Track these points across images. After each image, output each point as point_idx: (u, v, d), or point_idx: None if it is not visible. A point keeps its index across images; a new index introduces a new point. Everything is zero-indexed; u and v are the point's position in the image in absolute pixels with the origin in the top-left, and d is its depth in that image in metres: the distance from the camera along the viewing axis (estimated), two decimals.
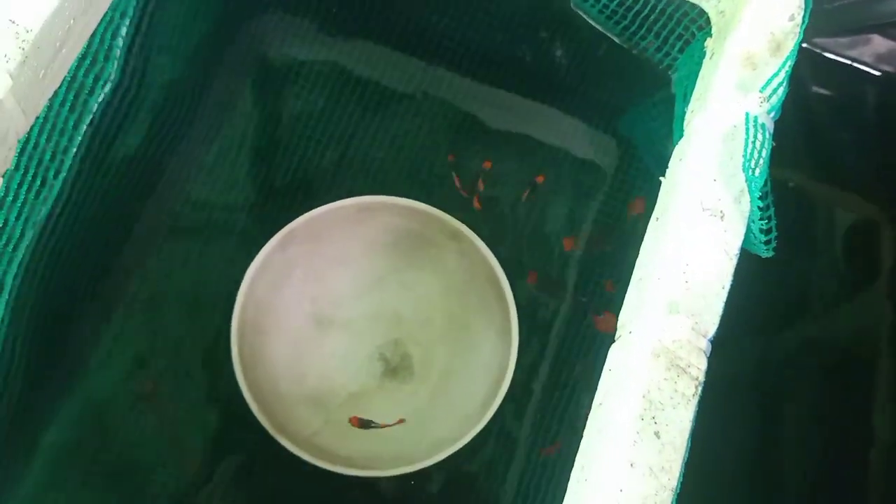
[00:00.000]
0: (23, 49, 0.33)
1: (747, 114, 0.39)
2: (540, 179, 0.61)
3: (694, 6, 0.46)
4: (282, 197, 0.59)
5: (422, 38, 0.61)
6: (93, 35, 0.41)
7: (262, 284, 0.55)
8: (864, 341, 0.56)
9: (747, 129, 0.38)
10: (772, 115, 0.40)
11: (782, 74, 0.40)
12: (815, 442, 0.55)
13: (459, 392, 0.56)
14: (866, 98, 0.53)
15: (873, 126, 0.54)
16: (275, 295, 0.57)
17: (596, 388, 0.44)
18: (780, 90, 0.40)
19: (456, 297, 0.58)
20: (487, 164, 0.61)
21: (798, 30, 0.41)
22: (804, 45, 0.51)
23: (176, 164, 0.55)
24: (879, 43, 0.52)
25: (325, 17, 0.60)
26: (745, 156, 0.37)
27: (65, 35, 0.35)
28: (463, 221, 0.56)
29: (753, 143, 0.38)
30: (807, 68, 0.52)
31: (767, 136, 0.39)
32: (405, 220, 0.58)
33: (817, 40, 0.52)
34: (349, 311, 0.58)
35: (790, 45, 0.40)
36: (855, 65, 0.53)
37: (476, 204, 0.60)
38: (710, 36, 0.44)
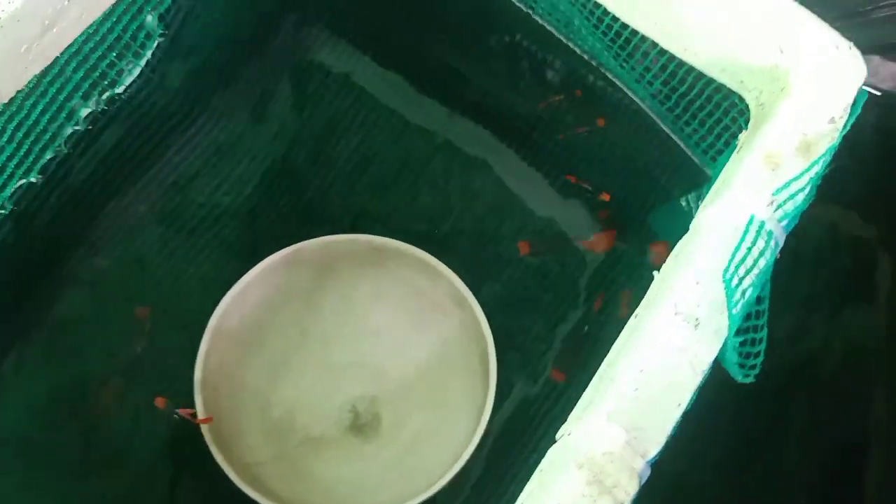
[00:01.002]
0: None
1: (752, 216, 0.34)
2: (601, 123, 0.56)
3: (742, 98, 0.42)
4: (284, 214, 0.58)
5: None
6: (111, 20, 0.42)
7: (254, 297, 0.53)
8: (859, 363, 0.54)
9: (745, 233, 0.33)
10: (784, 223, 0.35)
11: (804, 180, 0.34)
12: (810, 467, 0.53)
13: (420, 465, 0.52)
14: (866, 118, 0.51)
15: (873, 146, 0.52)
16: (266, 312, 0.55)
17: None
18: (800, 197, 0.34)
19: (446, 370, 0.55)
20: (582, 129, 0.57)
21: (836, 134, 0.36)
22: None
23: (177, 162, 0.55)
24: (878, 64, 0.51)
25: (360, 45, 0.60)
26: (730, 260, 0.32)
27: (55, 14, 0.36)
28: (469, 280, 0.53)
29: (748, 249, 0.33)
30: None
31: (772, 245, 0.34)
32: (416, 273, 0.55)
33: None
34: (337, 353, 0.56)
35: (821, 148, 0.35)
36: None
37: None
38: (746, 129, 0.40)
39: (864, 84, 0.34)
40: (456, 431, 0.52)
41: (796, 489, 0.53)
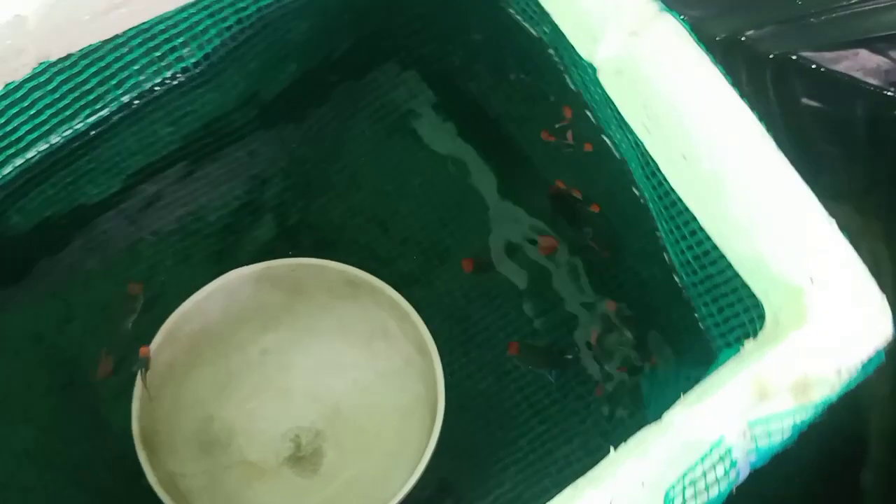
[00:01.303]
0: None
1: (721, 437, 0.32)
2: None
3: (763, 306, 0.40)
4: (276, 231, 0.58)
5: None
6: (190, 10, 0.42)
7: (217, 307, 0.53)
8: None
9: (707, 452, 0.32)
10: (751, 458, 0.33)
11: (788, 421, 0.33)
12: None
13: None
14: (855, 111, 0.52)
15: (862, 139, 0.52)
16: (228, 325, 0.54)
17: None
18: (777, 438, 0.33)
19: (396, 420, 0.54)
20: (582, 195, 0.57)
21: (838, 388, 0.34)
22: (793, 56, 0.51)
23: (197, 156, 0.55)
24: (866, 57, 0.51)
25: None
26: (682, 476, 0.31)
27: None
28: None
29: (704, 473, 0.31)
30: (796, 80, 0.53)
31: (732, 476, 0.32)
32: (386, 314, 0.54)
33: (805, 54, 0.52)
34: (292, 380, 0.55)
35: (817, 395, 0.33)
36: (843, 78, 0.52)
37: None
38: (754, 336, 0.38)
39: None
40: (395, 481, 0.51)
41: (796, 490, 0.51)
